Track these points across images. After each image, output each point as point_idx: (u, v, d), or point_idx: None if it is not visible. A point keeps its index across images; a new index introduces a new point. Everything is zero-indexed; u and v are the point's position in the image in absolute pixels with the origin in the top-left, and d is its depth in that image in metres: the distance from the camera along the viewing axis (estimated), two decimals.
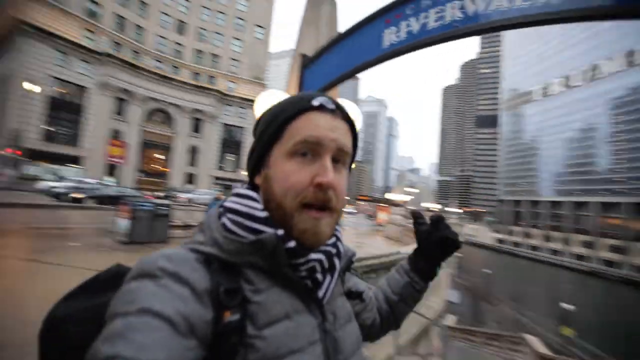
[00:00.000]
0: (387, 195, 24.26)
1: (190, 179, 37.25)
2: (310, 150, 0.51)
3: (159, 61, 35.92)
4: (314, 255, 0.51)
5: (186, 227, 10.26)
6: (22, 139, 23.06)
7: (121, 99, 32.01)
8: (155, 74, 34.02)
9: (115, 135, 31.11)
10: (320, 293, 0.53)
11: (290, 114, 0.52)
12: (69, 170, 26.09)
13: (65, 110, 28.62)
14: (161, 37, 36.27)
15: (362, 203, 39.51)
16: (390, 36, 1.67)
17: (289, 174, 0.50)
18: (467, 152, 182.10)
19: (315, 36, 2.77)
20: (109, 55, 30.22)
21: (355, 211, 35.30)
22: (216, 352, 0.42)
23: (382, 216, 24.94)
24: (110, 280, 0.51)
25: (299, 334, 0.47)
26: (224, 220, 0.51)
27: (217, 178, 38.63)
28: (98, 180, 21.60)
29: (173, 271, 0.42)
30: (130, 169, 32.07)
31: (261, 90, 41.69)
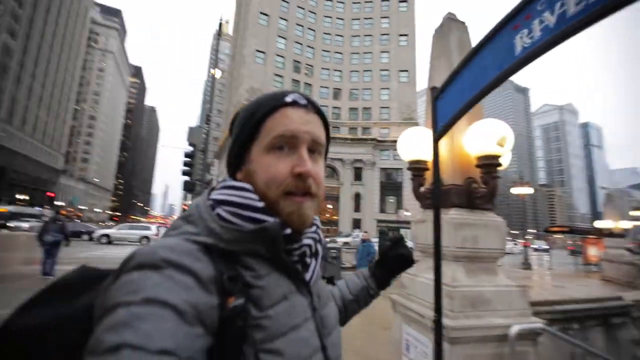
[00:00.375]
0: (598, 224, 17.60)
1: (357, 223, 39.91)
2: (286, 143, 0.54)
3: None
4: (305, 241, 0.56)
5: (354, 267, 10.96)
6: None
7: None
8: None
9: None
10: (308, 276, 0.57)
11: (265, 111, 0.56)
12: None
13: None
14: (322, 106, 43.36)
15: (557, 236, 30.33)
16: (522, 40, 1.52)
17: (269, 166, 0.54)
18: None
19: (448, 67, 2.76)
20: None
21: (548, 247, 27.51)
22: (223, 337, 0.43)
23: (594, 251, 18.36)
24: (78, 285, 0.49)
25: (296, 312, 0.51)
26: (219, 211, 0.52)
27: (380, 221, 39.70)
28: None
29: (177, 261, 0.43)
30: None
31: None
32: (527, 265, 16.47)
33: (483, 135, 2.33)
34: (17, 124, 54.01)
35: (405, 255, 0.90)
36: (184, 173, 10.50)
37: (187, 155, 10.53)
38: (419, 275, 2.68)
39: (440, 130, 2.10)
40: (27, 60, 55.54)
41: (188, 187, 10.36)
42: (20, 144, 55.53)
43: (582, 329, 3.19)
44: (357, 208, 40.65)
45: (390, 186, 40.89)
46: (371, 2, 45.84)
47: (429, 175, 2.70)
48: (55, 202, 66.24)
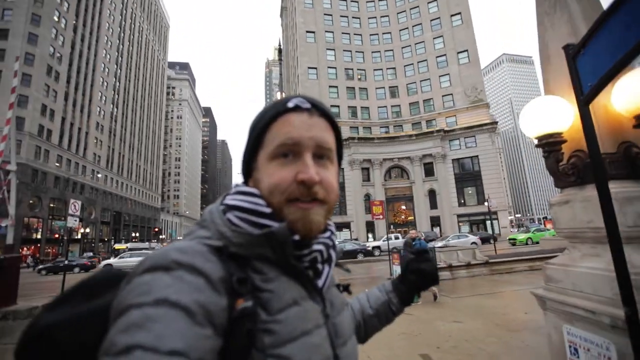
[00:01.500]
0: None
1: (436, 221, 37.55)
2: (290, 150, 0.53)
3: (384, 127, 41.77)
4: (316, 247, 0.55)
5: (450, 267, 10.17)
6: None
7: (365, 169, 39.03)
8: (383, 138, 39.62)
9: (367, 198, 37.47)
10: (320, 282, 0.56)
11: (267, 120, 0.55)
12: (343, 234, 33.58)
13: None
14: (380, 107, 42.72)
15: None
16: None
17: (272, 174, 0.53)
18: None
19: (567, 19, 2.40)
20: (350, 138, 38.66)
21: None
22: (232, 339, 0.42)
23: None
24: (102, 285, 0.50)
25: (307, 317, 0.50)
26: (229, 216, 0.53)
27: (460, 215, 36.76)
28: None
29: (187, 263, 0.43)
30: (383, 223, 36.88)
31: (484, 110, 38.40)
32: None
33: None
34: (125, 174, 64.77)
35: (427, 271, 0.83)
36: None
37: None
38: (575, 265, 2.29)
39: (588, 93, 1.78)
40: (127, 122, 66.80)
41: None
42: (129, 191, 66.38)
43: None
44: (433, 205, 38.33)
45: (466, 177, 37.77)
46: None
47: (566, 149, 2.33)
48: (160, 236, 77.06)
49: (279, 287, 0.50)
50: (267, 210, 0.53)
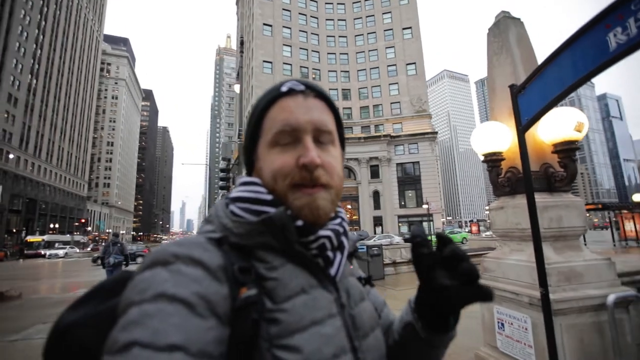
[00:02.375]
0: (637, 197, 16.88)
1: (379, 221, 39.87)
2: (289, 136, 0.52)
3: None
4: (322, 232, 0.51)
5: (394, 264, 11.11)
6: None
7: None
8: None
9: None
10: (332, 270, 0.53)
11: (263, 107, 0.55)
12: None
13: None
14: None
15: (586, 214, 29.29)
16: (616, 38, 1.73)
17: (274, 160, 0.52)
18: None
19: (510, 62, 2.97)
20: None
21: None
22: (237, 328, 0.41)
23: (631, 227, 17.91)
24: (120, 285, 0.50)
25: (317, 306, 0.47)
26: (232, 208, 0.53)
27: (400, 216, 39.56)
28: None
29: (185, 254, 0.43)
30: None
31: (427, 120, 41.79)
32: None
33: (559, 123, 2.53)
34: (43, 157, 56.60)
35: (467, 274, 0.46)
36: (221, 187, 10.92)
37: (222, 170, 10.97)
38: (505, 258, 2.88)
39: (525, 125, 2.32)
40: (49, 97, 58.28)
41: None
42: (47, 176, 58.17)
43: None
44: (376, 205, 40.60)
45: (408, 180, 40.64)
46: None
47: (504, 165, 2.91)
48: (87, 228, 68.99)
49: (284, 274, 0.48)
50: (268, 197, 0.52)
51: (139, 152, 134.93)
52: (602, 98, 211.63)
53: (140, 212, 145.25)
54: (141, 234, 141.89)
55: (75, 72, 70.86)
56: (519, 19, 3.05)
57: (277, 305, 0.45)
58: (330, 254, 0.53)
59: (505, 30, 3.03)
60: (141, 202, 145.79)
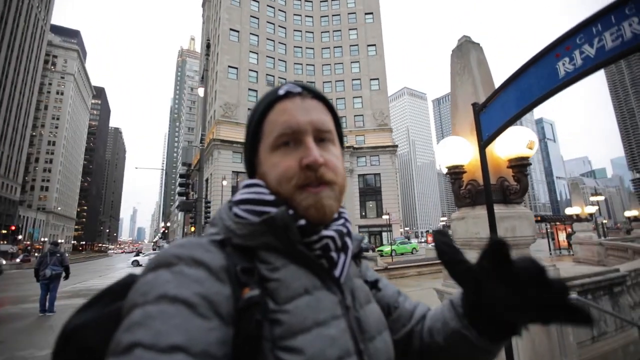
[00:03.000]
0: (568, 210, 19.32)
1: None
2: (290, 138, 0.53)
3: None
4: (325, 233, 0.52)
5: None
6: None
7: None
8: None
9: None
10: (337, 272, 0.52)
11: (261, 111, 0.55)
12: None
13: None
14: None
15: None
16: (564, 67, 1.94)
17: (277, 164, 0.53)
18: None
19: (471, 82, 3.20)
20: None
21: None
22: (240, 329, 0.41)
23: (564, 237, 20.06)
24: (125, 289, 0.50)
25: (321, 307, 0.47)
26: (236, 210, 0.53)
27: (361, 226, 40.45)
28: None
29: (187, 255, 0.43)
30: None
31: (388, 134, 43.56)
32: None
33: (514, 141, 2.76)
34: None
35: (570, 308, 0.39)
36: (180, 194, 10.35)
37: (181, 175, 10.41)
38: None
39: (486, 140, 2.49)
40: None
41: (186, 208, 10.22)
42: None
43: (594, 298, 3.70)
44: None
45: (369, 191, 41.78)
46: (338, 15, 47.48)
47: (465, 178, 3.09)
48: (17, 237, 61.32)
49: (287, 275, 0.48)
50: (271, 197, 0.52)
51: (86, 154, 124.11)
52: (540, 122, 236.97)
53: (84, 219, 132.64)
54: (84, 243, 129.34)
55: (14, 62, 63.97)
56: (478, 44, 3.32)
57: (280, 306, 0.45)
58: (334, 254, 0.53)
59: (467, 53, 3.28)
60: (86, 207, 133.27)
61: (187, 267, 0.42)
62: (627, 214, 19.44)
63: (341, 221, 0.56)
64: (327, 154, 0.54)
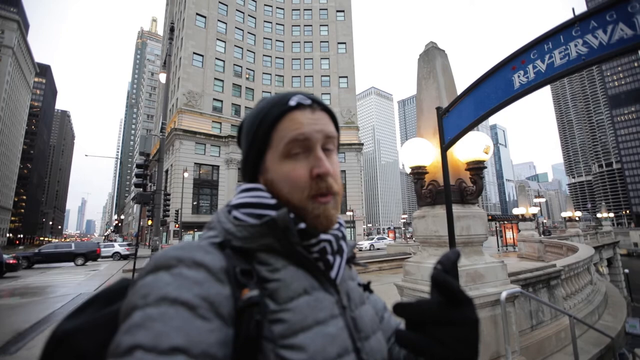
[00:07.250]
0: (515, 211, 21.63)
1: None
2: (301, 147, 0.54)
3: None
4: (323, 236, 0.54)
5: None
6: (181, 215, 29.76)
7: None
8: None
9: None
10: (333, 273, 0.55)
11: (273, 119, 0.55)
12: None
13: (205, 187, 36.24)
14: None
15: None
16: (519, 79, 2.10)
17: (288, 173, 0.53)
18: (605, 141, 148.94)
19: (436, 87, 3.35)
20: (230, 136, 37.50)
21: None
22: (242, 329, 0.42)
23: (510, 235, 21.97)
24: (116, 294, 0.51)
25: (320, 306, 0.49)
26: (235, 213, 0.54)
27: None
28: None
29: (186, 257, 0.44)
30: None
31: (355, 132, 44.25)
32: None
33: (472, 145, 2.94)
34: None
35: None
36: (137, 185, 9.71)
37: (139, 165, 9.76)
38: (424, 262, 3.19)
39: (448, 143, 2.64)
40: None
41: (143, 200, 9.60)
42: None
43: (534, 291, 4.09)
44: None
45: None
46: (310, 10, 47.14)
47: (427, 178, 3.24)
48: None
49: (287, 276, 0.49)
50: (272, 201, 0.54)
51: (26, 137, 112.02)
52: (494, 127, 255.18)
53: (22, 210, 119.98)
54: (21, 236, 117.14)
55: None
56: (444, 51, 3.48)
57: (281, 305, 0.46)
58: (330, 257, 0.55)
59: (433, 59, 3.42)
60: (25, 197, 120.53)
61: (187, 269, 0.43)
62: (563, 214, 22.15)
63: (337, 225, 0.58)
64: (332, 163, 0.56)
